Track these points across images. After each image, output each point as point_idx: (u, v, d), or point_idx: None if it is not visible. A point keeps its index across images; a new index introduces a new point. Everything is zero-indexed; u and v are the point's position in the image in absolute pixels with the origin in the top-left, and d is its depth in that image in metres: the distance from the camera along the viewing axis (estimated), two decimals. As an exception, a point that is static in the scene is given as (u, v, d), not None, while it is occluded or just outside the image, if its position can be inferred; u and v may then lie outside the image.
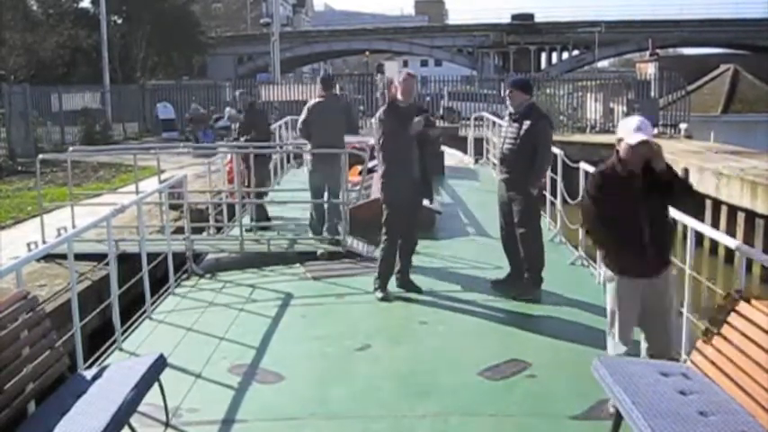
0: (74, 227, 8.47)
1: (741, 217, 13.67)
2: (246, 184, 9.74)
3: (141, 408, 4.06)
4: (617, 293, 4.52)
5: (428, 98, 33.22)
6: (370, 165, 10.29)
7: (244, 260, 8.45)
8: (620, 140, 4.44)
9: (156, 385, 4.20)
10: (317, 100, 8.75)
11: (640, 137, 4.31)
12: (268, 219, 9.83)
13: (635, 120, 4.46)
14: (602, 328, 6.14)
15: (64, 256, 6.19)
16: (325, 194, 9.03)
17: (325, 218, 8.84)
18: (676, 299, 4.87)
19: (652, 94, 26.76)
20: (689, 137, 23.15)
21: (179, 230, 8.74)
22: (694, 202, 4.67)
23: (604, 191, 4.46)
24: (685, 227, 5.19)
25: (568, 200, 9.09)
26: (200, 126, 22.49)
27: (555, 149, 10.16)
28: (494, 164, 15.87)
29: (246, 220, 9.70)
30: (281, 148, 13.43)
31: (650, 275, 4.44)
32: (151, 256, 7.01)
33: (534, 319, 6.50)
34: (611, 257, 4.56)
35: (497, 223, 7.98)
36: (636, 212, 4.37)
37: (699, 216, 4.67)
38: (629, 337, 4.53)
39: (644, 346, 4.60)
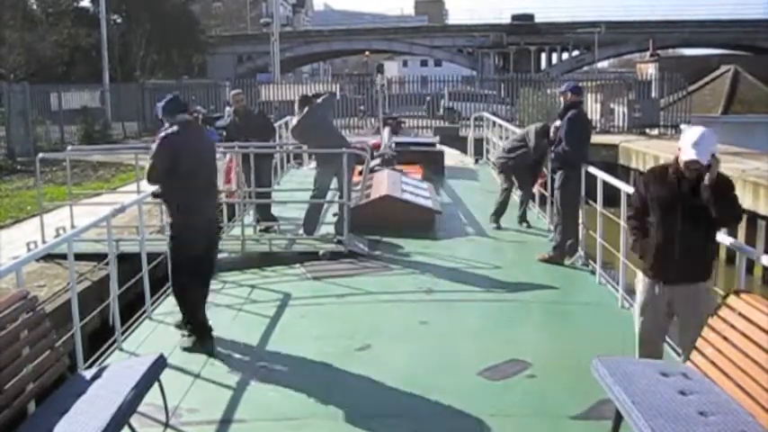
0: (73, 226, 8.46)
1: (743, 218, 13.66)
2: (245, 185, 9.73)
3: (141, 408, 4.06)
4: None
5: (428, 98, 33.28)
6: (371, 164, 10.37)
7: (244, 260, 8.44)
8: (679, 149, 4.38)
9: (156, 385, 4.19)
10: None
11: (691, 156, 4.23)
12: (274, 218, 9.84)
13: (695, 134, 4.31)
14: (601, 327, 6.18)
15: (64, 256, 6.18)
16: (329, 194, 9.08)
17: (317, 218, 8.94)
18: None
19: (653, 94, 26.75)
20: (689, 137, 23.12)
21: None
22: (734, 216, 4.49)
23: (649, 189, 4.49)
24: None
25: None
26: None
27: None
28: (493, 164, 15.92)
29: (248, 220, 9.70)
30: (281, 147, 13.40)
31: (676, 283, 4.42)
32: (151, 256, 7.00)
33: (534, 319, 6.51)
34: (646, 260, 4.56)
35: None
36: (672, 218, 4.35)
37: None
38: None
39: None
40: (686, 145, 4.29)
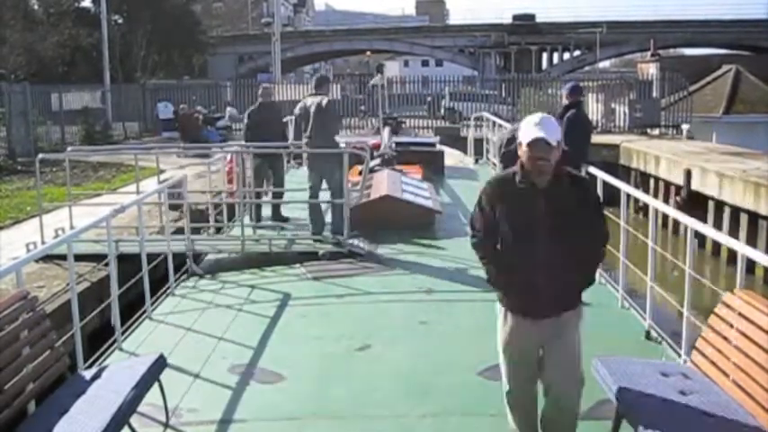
0: (72, 227, 8.46)
1: (744, 218, 13.66)
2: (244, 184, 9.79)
3: (141, 408, 4.06)
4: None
5: (429, 98, 33.32)
6: (371, 164, 10.38)
7: (244, 260, 8.45)
8: (519, 144, 3.52)
9: (156, 385, 4.19)
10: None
11: (535, 134, 3.39)
12: (285, 219, 9.88)
13: (536, 115, 3.54)
14: (601, 327, 6.16)
15: (63, 257, 6.18)
16: (322, 194, 9.07)
17: (319, 218, 8.94)
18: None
19: (654, 94, 26.75)
20: (691, 138, 23.14)
21: (179, 231, 8.74)
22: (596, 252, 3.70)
23: (494, 205, 3.56)
24: (686, 226, 5.18)
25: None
26: (189, 126, 22.41)
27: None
28: (493, 164, 15.90)
29: (247, 220, 9.71)
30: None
31: (542, 317, 3.61)
32: (151, 257, 7.00)
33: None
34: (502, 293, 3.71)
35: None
36: (532, 240, 3.48)
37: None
38: None
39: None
40: (527, 128, 3.46)
